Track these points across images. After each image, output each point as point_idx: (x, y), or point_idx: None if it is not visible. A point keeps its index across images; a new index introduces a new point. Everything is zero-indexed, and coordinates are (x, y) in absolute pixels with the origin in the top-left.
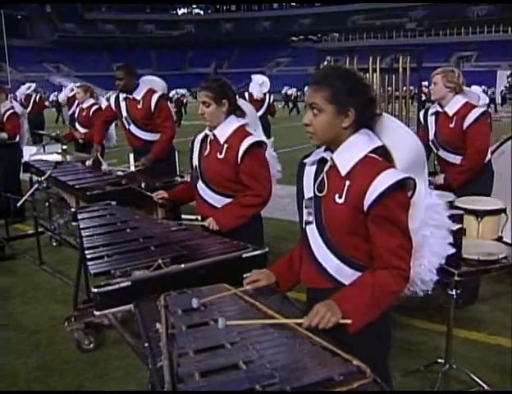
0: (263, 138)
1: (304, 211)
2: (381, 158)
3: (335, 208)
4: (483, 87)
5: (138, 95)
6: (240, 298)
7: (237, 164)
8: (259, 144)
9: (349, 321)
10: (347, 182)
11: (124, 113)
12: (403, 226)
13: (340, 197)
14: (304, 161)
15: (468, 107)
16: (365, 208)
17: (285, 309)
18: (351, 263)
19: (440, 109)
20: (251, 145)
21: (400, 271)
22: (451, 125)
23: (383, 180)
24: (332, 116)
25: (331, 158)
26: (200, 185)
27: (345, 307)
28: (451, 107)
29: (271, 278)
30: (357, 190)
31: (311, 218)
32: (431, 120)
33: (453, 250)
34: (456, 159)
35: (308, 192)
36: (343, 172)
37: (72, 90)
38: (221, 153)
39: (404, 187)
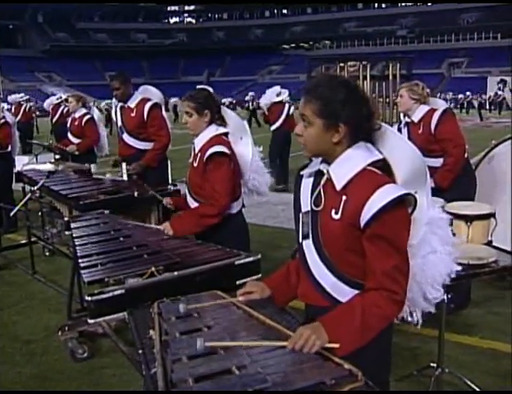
0: (250, 145)
1: (301, 225)
2: (381, 171)
3: (331, 224)
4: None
5: (132, 104)
6: (233, 305)
7: (204, 172)
8: (222, 154)
9: (336, 345)
10: (343, 197)
11: (119, 122)
12: (400, 245)
13: (336, 213)
14: (301, 173)
15: (431, 112)
16: (361, 225)
17: (279, 318)
18: (349, 281)
19: (408, 120)
20: (213, 154)
21: (392, 294)
22: (420, 131)
23: (381, 197)
24: (321, 130)
25: (328, 171)
26: (186, 192)
27: (331, 330)
28: (417, 115)
29: (265, 292)
30: (353, 206)
31: (307, 233)
32: (404, 131)
33: (459, 268)
34: (433, 162)
35: (305, 205)
36: (338, 187)
37: (59, 99)
38: (195, 162)
39: (403, 204)
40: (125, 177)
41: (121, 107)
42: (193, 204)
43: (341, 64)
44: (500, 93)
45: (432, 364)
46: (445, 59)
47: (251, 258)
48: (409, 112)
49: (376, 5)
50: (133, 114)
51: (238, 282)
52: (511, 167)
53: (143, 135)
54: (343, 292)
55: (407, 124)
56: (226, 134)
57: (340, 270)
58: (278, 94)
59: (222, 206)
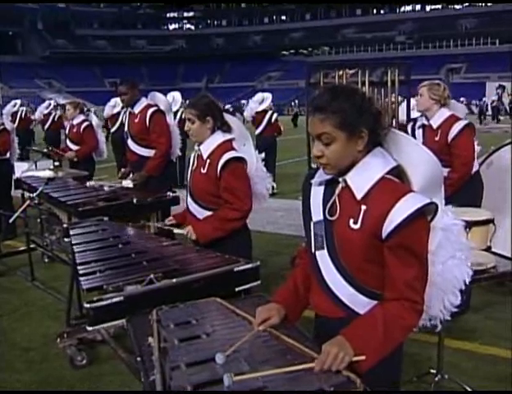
0: (253, 152)
1: (313, 235)
2: (398, 178)
3: (349, 234)
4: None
5: (136, 109)
6: (232, 312)
7: (217, 179)
8: (238, 159)
9: (362, 357)
10: (363, 207)
11: (126, 127)
12: (421, 254)
13: (355, 222)
14: (311, 181)
15: (451, 120)
16: (383, 235)
17: (283, 328)
18: (367, 292)
19: (426, 122)
20: (229, 160)
21: (413, 304)
22: (436, 139)
23: (404, 208)
24: (346, 142)
25: (344, 180)
26: (189, 200)
27: (356, 344)
28: (436, 120)
29: (281, 312)
30: (375, 216)
31: (321, 243)
32: (418, 133)
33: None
34: (443, 172)
35: (317, 215)
36: (358, 196)
37: (48, 107)
38: (204, 169)
39: (425, 213)
40: (129, 184)
41: (129, 113)
42: (197, 211)
43: (340, 72)
44: (494, 98)
45: (431, 370)
46: (443, 65)
47: (250, 265)
48: (427, 113)
49: (374, 11)
50: (137, 120)
51: (237, 289)
52: (511, 173)
53: (145, 142)
54: (361, 303)
55: (423, 126)
56: (232, 140)
57: (357, 280)
58: (261, 102)
59: (246, 210)
